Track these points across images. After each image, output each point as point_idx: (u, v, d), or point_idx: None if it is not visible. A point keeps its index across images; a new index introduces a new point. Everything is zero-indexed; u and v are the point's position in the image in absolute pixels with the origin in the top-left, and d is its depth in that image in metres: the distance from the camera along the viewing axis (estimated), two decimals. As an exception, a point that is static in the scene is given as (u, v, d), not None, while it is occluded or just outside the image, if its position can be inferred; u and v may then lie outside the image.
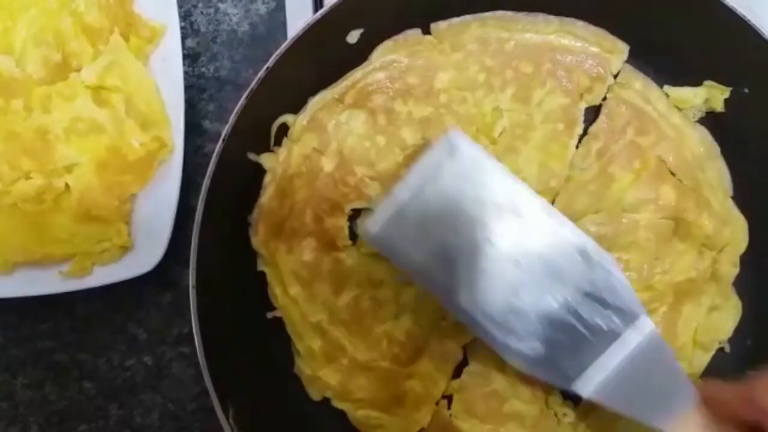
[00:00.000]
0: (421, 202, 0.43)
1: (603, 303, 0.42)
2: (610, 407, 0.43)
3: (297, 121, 0.51)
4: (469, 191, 0.43)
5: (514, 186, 0.44)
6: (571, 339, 0.43)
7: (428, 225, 0.43)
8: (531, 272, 0.43)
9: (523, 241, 0.43)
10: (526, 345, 0.43)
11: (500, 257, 0.42)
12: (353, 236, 0.51)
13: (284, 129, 0.52)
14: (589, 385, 0.43)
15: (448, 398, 0.51)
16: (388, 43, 0.52)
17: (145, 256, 0.54)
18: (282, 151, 0.51)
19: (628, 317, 0.43)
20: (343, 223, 0.50)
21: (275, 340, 0.51)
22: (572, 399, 0.50)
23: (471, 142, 0.44)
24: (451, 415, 0.50)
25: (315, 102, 0.52)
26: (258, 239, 0.51)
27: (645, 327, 0.43)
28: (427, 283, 0.44)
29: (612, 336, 0.43)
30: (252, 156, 0.50)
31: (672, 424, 0.40)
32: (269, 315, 0.51)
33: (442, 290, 0.43)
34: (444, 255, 0.43)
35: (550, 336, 0.43)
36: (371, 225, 0.44)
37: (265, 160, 0.51)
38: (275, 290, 0.51)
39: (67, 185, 0.55)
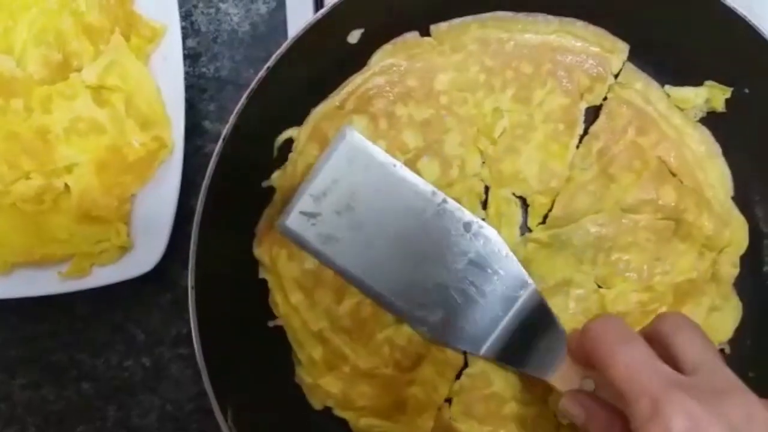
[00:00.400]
0: (328, 196, 0.47)
1: (489, 269, 0.48)
2: (504, 365, 0.49)
3: (300, 134, 0.51)
4: (368, 185, 0.47)
5: (402, 174, 0.48)
6: (466, 304, 0.48)
7: (335, 218, 0.47)
8: (425, 248, 0.48)
9: (418, 223, 0.48)
10: (429, 313, 0.48)
11: (399, 238, 0.48)
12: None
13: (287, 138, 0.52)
14: (484, 345, 0.48)
15: (448, 401, 0.51)
16: (386, 47, 0.52)
17: (144, 256, 0.54)
18: (288, 166, 0.51)
19: (513, 281, 0.48)
20: (346, 230, 0.51)
21: (276, 345, 0.51)
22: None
23: (361, 139, 0.48)
24: (450, 417, 0.50)
25: (317, 112, 0.52)
26: (259, 246, 0.51)
27: (528, 288, 0.48)
28: (336, 269, 0.48)
29: (500, 299, 0.48)
30: (265, 183, 0.51)
31: (553, 375, 0.45)
32: (270, 324, 0.51)
33: (352, 277, 0.48)
34: (350, 246, 0.47)
35: (448, 303, 0.48)
36: (283, 218, 0.47)
37: (276, 179, 0.51)
38: (276, 298, 0.51)
39: (66, 185, 0.55)
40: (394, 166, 0.48)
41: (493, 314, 0.47)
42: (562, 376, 0.45)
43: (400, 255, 0.48)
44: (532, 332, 0.47)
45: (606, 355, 0.37)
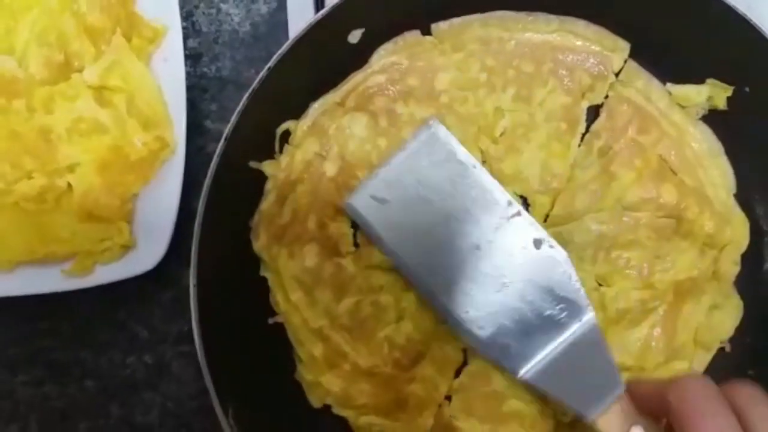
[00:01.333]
0: (400, 184, 0.47)
1: (552, 293, 0.46)
2: (544, 391, 0.46)
3: (299, 127, 0.51)
4: (443, 181, 0.47)
5: (480, 177, 0.47)
6: (521, 325, 0.46)
7: (403, 207, 0.47)
8: (488, 258, 0.46)
9: (485, 230, 0.46)
10: (478, 327, 0.46)
11: (463, 244, 0.46)
12: (356, 242, 0.51)
13: (286, 134, 0.52)
14: (529, 369, 0.45)
15: (448, 398, 0.51)
16: (387, 46, 0.52)
17: (146, 255, 0.54)
18: (284, 158, 0.51)
19: (575, 310, 0.46)
20: (347, 229, 0.50)
21: (276, 343, 0.51)
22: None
23: (447, 133, 0.47)
24: (450, 415, 0.50)
25: (316, 107, 0.52)
26: (259, 244, 0.51)
27: (588, 321, 0.46)
28: (395, 258, 0.48)
29: (557, 326, 0.46)
30: (254, 164, 0.51)
31: (598, 413, 0.42)
32: (271, 320, 0.51)
33: (409, 269, 0.47)
34: (413, 237, 0.47)
35: (499, 319, 0.46)
36: (351, 197, 0.48)
37: (267, 167, 0.51)
38: (277, 296, 0.51)
39: (69, 185, 0.55)
40: (474, 167, 0.47)
41: (542, 338, 0.45)
42: (609, 420, 0.42)
43: (461, 258, 0.46)
44: (580, 366, 0.45)
45: (693, 421, 0.35)
